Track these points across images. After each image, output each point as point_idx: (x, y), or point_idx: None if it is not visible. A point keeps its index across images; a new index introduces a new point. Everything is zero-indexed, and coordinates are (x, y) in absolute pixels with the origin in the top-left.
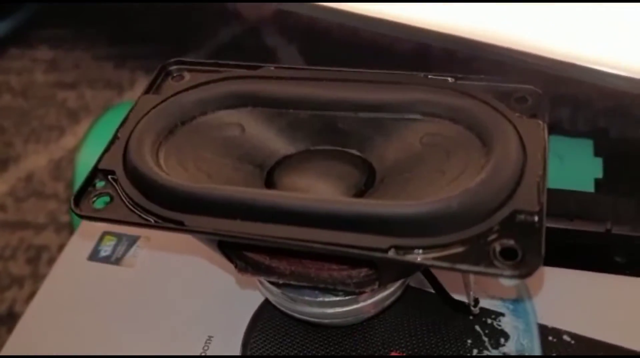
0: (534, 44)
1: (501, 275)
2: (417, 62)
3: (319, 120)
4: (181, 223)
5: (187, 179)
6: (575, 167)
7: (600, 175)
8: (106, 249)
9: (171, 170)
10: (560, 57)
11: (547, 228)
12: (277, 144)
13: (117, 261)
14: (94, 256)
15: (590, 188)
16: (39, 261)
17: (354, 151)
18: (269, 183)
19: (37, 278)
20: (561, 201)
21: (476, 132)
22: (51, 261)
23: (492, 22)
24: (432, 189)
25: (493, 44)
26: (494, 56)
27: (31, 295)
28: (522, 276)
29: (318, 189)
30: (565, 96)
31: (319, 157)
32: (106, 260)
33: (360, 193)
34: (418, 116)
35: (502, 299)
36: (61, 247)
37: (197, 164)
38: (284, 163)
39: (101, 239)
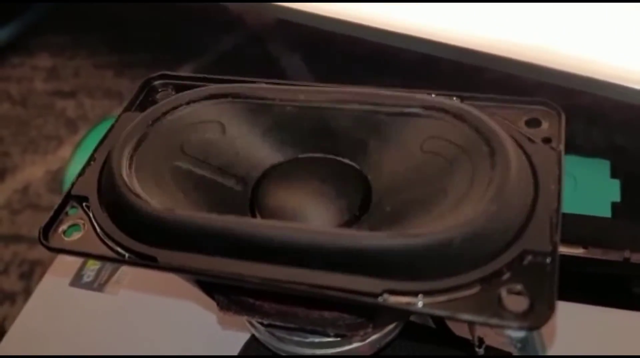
0: (545, 56)
1: (507, 327)
2: (424, 70)
3: (308, 116)
4: (154, 259)
5: (163, 201)
6: (590, 189)
7: (617, 198)
8: (89, 274)
9: (145, 187)
10: (574, 70)
11: (559, 255)
12: (263, 150)
13: (100, 288)
14: (77, 281)
15: (607, 212)
16: (32, 277)
17: (347, 161)
18: (254, 204)
19: (30, 294)
20: (575, 227)
21: (484, 136)
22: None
23: (502, 32)
24: (432, 216)
25: (502, 56)
26: (503, 69)
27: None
28: (531, 328)
29: (308, 215)
30: (578, 108)
31: (310, 170)
32: (89, 286)
33: (354, 218)
34: (419, 110)
35: (509, 337)
36: (53, 262)
37: (174, 179)
38: (270, 177)
39: (85, 262)
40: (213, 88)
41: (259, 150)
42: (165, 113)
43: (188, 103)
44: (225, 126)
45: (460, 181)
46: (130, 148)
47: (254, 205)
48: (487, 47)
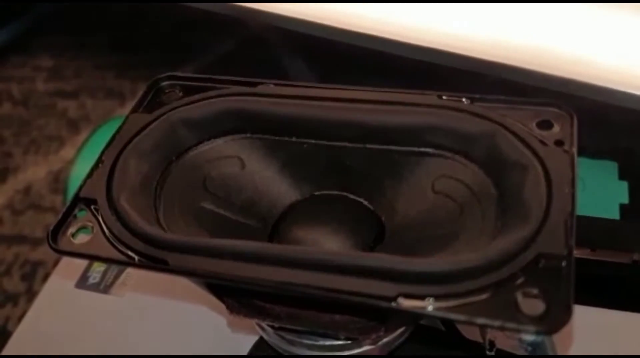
0: (542, 62)
1: (524, 331)
2: (430, 69)
3: (324, 154)
4: (164, 262)
5: (188, 235)
6: (598, 191)
7: (626, 200)
8: (95, 276)
9: (171, 225)
10: (573, 76)
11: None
12: (281, 186)
13: (106, 290)
14: (82, 283)
15: (615, 214)
16: (35, 278)
17: (362, 201)
18: (272, 240)
19: (32, 295)
20: (583, 229)
21: (493, 174)
22: (47, 277)
23: (497, 36)
24: (446, 253)
25: (501, 62)
26: (504, 75)
27: (25, 313)
28: (548, 332)
29: (325, 246)
30: (584, 109)
31: (326, 209)
32: (95, 287)
33: (368, 249)
34: (430, 150)
35: (520, 340)
36: (57, 263)
37: (199, 219)
38: (289, 215)
39: (91, 263)
40: (229, 112)
41: (277, 186)
42: (187, 149)
43: (209, 139)
44: (244, 161)
45: (471, 226)
46: (155, 187)
47: (272, 240)
48: (483, 53)
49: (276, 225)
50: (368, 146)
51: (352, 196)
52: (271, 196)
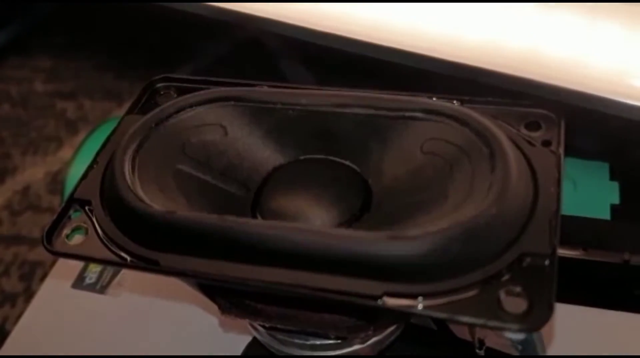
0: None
1: (506, 328)
2: (423, 73)
3: (310, 120)
4: (156, 263)
5: (166, 205)
6: (589, 192)
7: (617, 200)
8: (91, 276)
9: (147, 191)
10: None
11: (558, 258)
12: (264, 151)
13: (102, 290)
14: (79, 283)
15: (606, 214)
16: (33, 278)
17: (348, 163)
18: (255, 207)
19: (30, 295)
20: (574, 229)
21: (483, 138)
22: (45, 278)
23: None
24: (432, 217)
25: (491, 70)
26: (493, 82)
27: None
28: (530, 329)
29: (308, 216)
30: (576, 109)
31: (310, 173)
32: (91, 288)
33: (354, 218)
34: (419, 114)
35: (510, 339)
36: (55, 264)
37: (177, 182)
38: (272, 180)
39: (87, 264)
40: (215, 91)
41: (261, 152)
42: (168, 116)
43: (191, 106)
44: (227, 128)
45: (461, 185)
46: (133, 151)
47: (255, 208)
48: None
49: (259, 191)
50: (355, 110)
51: (338, 159)
52: (254, 161)
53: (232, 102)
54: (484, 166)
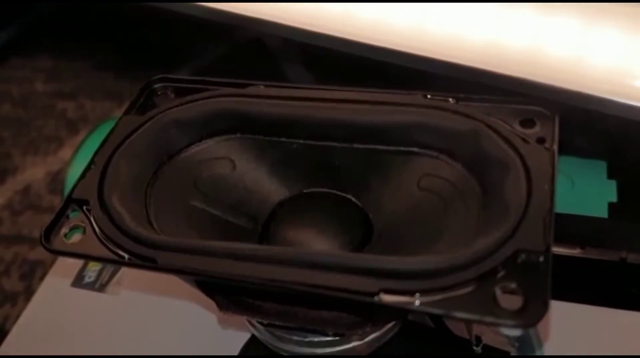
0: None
1: (501, 324)
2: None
3: (313, 153)
4: (153, 261)
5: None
6: (587, 190)
7: (614, 199)
8: (91, 275)
9: (162, 224)
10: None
11: (556, 256)
12: (270, 185)
13: (102, 288)
14: (78, 282)
15: (603, 213)
16: (33, 277)
17: (350, 197)
18: (262, 241)
19: (31, 294)
20: (572, 227)
21: (476, 172)
22: (45, 277)
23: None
24: (430, 253)
25: (491, 71)
26: (493, 83)
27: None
28: (525, 325)
29: (314, 246)
30: (573, 107)
31: (315, 207)
32: (90, 286)
33: (356, 251)
34: (415, 149)
35: (507, 336)
36: (55, 263)
37: (189, 217)
38: (279, 214)
39: (87, 263)
40: (220, 112)
41: (267, 185)
42: (180, 150)
43: (200, 140)
44: (235, 162)
45: (454, 224)
46: (146, 185)
47: (262, 241)
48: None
49: (266, 224)
50: (355, 145)
51: (340, 193)
52: (261, 195)
53: (239, 135)
54: (476, 203)
